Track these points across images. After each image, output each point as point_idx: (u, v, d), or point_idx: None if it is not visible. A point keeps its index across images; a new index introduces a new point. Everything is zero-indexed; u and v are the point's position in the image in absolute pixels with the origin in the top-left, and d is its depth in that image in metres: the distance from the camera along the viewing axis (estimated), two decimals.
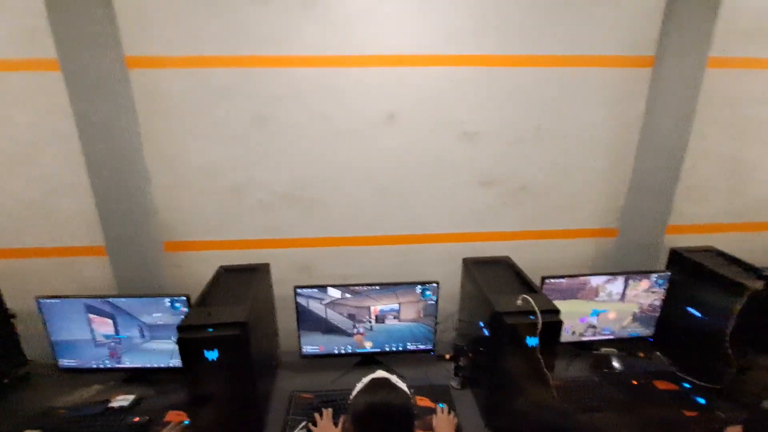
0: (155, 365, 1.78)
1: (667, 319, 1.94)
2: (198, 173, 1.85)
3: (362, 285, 1.78)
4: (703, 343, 1.77)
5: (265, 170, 1.87)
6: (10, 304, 1.77)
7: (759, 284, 1.56)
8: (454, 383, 1.76)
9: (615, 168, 2.01)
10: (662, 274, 1.87)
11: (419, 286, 1.79)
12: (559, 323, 1.40)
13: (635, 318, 1.94)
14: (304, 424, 1.54)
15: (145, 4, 1.62)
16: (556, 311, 1.41)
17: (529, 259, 2.02)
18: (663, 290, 1.90)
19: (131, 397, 1.68)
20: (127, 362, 1.79)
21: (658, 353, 1.97)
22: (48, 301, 1.70)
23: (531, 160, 1.96)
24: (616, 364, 1.89)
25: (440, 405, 1.59)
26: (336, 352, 1.87)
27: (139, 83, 1.70)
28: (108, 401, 1.66)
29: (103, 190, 1.76)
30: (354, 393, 1.17)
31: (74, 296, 1.71)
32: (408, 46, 1.74)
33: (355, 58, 1.73)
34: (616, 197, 2.06)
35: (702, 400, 1.67)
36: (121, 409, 1.63)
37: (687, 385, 1.76)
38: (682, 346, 1.88)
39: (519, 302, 1.44)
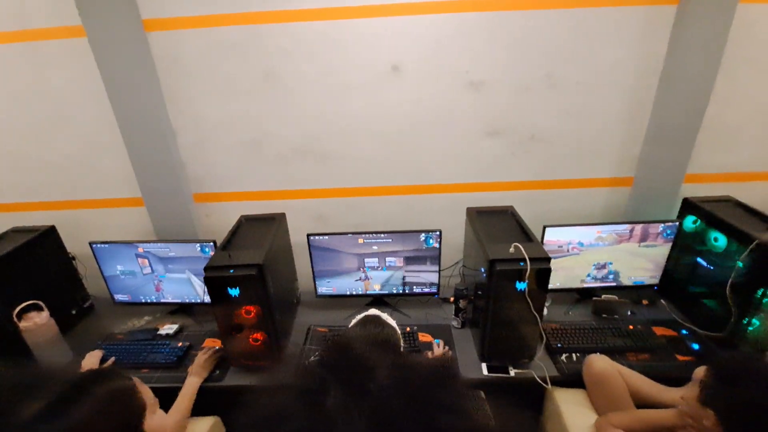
0: (193, 300, 2.05)
1: (674, 269, 1.95)
2: (218, 129, 1.98)
3: (369, 233, 1.91)
4: (708, 292, 1.79)
5: (278, 125, 1.96)
6: (69, 248, 2.07)
7: (767, 236, 1.53)
8: (454, 323, 1.90)
9: (632, 114, 1.93)
10: (671, 223, 1.85)
11: (423, 234, 1.89)
12: (548, 270, 1.47)
13: (641, 267, 1.96)
14: (318, 352, 1.76)
15: None
16: (547, 259, 1.48)
17: (539, 208, 2.06)
18: (671, 240, 1.89)
19: (175, 326, 1.96)
20: (170, 298, 2.06)
21: (662, 301, 2.00)
22: (99, 245, 1.96)
23: (541, 108, 1.92)
24: (617, 310, 1.94)
25: (436, 341, 1.75)
26: (348, 293, 2.05)
27: (157, 45, 1.80)
28: (156, 329, 1.96)
29: (135, 147, 1.94)
30: (348, 327, 1.33)
31: (120, 242, 1.96)
32: None
33: (357, 9, 1.72)
34: (632, 145, 2.00)
35: (696, 346, 1.72)
36: (167, 335, 1.92)
37: (686, 333, 1.80)
38: (687, 295, 1.90)
39: (511, 250, 1.51)
